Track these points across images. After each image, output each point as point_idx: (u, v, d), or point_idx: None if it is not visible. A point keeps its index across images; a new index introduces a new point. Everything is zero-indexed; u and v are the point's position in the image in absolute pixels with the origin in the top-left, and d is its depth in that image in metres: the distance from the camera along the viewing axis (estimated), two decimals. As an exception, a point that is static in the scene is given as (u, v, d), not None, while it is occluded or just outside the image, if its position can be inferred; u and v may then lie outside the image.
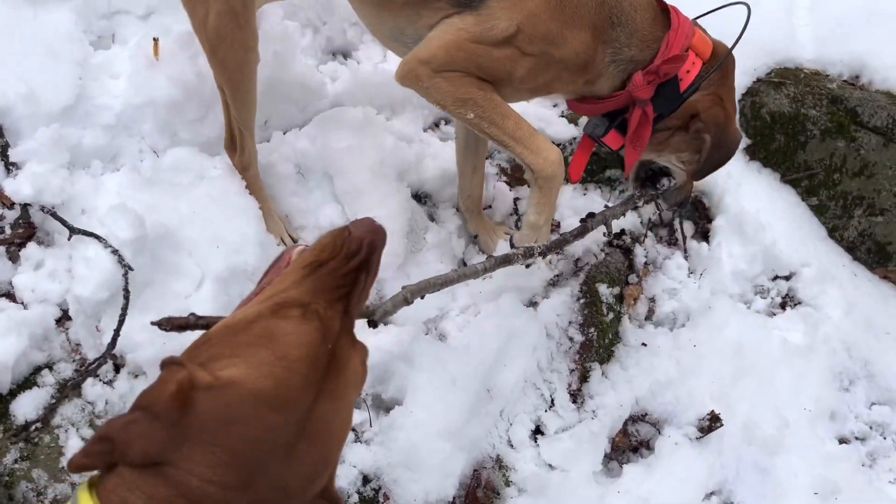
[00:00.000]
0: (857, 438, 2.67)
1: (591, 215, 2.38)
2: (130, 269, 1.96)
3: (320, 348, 1.04)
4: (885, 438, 2.68)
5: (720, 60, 2.08)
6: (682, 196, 2.41)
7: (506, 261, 2.15)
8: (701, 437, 2.47)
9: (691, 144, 2.15)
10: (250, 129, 2.22)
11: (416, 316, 2.37)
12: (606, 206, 2.44)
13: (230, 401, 0.96)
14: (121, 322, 1.89)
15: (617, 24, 1.98)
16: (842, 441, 2.63)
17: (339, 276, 1.13)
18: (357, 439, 2.19)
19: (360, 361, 1.12)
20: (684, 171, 2.30)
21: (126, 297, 1.92)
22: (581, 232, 2.34)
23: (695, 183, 2.89)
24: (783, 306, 2.82)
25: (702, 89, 2.08)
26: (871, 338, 2.80)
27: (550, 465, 2.34)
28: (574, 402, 2.49)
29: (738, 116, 2.88)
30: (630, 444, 2.56)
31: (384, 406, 2.27)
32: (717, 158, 2.16)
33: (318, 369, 1.02)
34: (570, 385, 2.51)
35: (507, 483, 2.30)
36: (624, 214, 2.48)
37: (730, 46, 2.15)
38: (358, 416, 2.21)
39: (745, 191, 2.88)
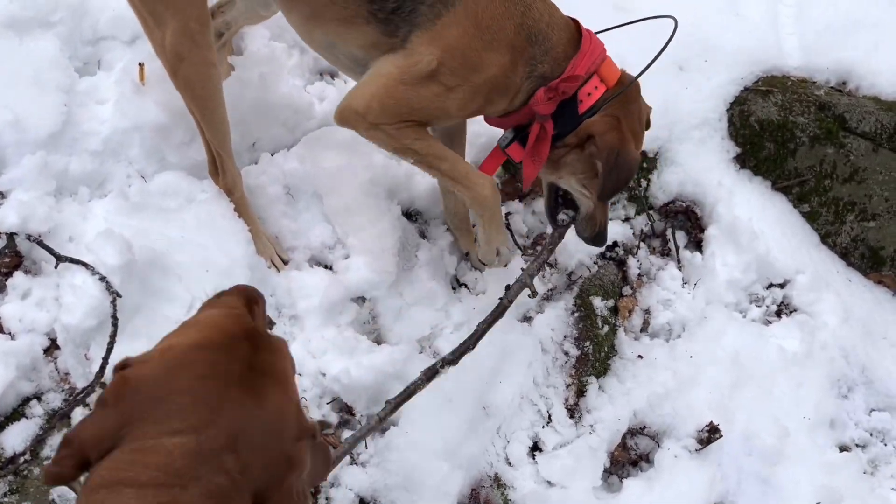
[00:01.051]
0: (857, 445, 2.65)
1: (507, 288, 2.22)
2: (118, 295, 1.94)
3: (244, 319, 1.10)
4: (885, 445, 2.66)
5: (623, 87, 2.11)
6: (593, 228, 2.28)
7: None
8: (700, 449, 2.45)
9: (586, 164, 2.15)
10: (226, 150, 2.22)
11: (410, 334, 2.36)
12: (522, 269, 2.29)
13: (169, 357, 1.01)
14: (109, 349, 1.86)
15: (535, 42, 2.03)
16: (842, 449, 2.61)
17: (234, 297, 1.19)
18: (353, 461, 2.17)
19: (283, 343, 1.15)
20: (588, 197, 2.22)
21: (114, 324, 1.90)
22: (500, 312, 2.19)
23: (687, 192, 2.92)
24: (779, 314, 2.81)
25: (602, 113, 2.09)
26: (869, 344, 2.78)
27: (549, 482, 2.31)
28: (571, 417, 2.47)
29: (721, 131, 2.89)
30: (629, 457, 2.54)
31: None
32: (614, 180, 2.12)
33: (247, 329, 1.07)
34: (566, 400, 2.49)
35: (506, 501, 2.27)
36: (541, 268, 2.33)
37: (640, 71, 2.17)
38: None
39: (737, 199, 2.87)
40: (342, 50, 2.11)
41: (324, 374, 2.22)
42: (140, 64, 2.39)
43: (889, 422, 2.69)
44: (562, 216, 2.31)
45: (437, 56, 1.97)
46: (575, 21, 2.16)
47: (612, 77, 2.11)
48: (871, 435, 2.68)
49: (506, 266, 2.45)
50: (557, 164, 2.18)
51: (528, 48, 2.03)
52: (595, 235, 2.30)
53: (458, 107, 2.07)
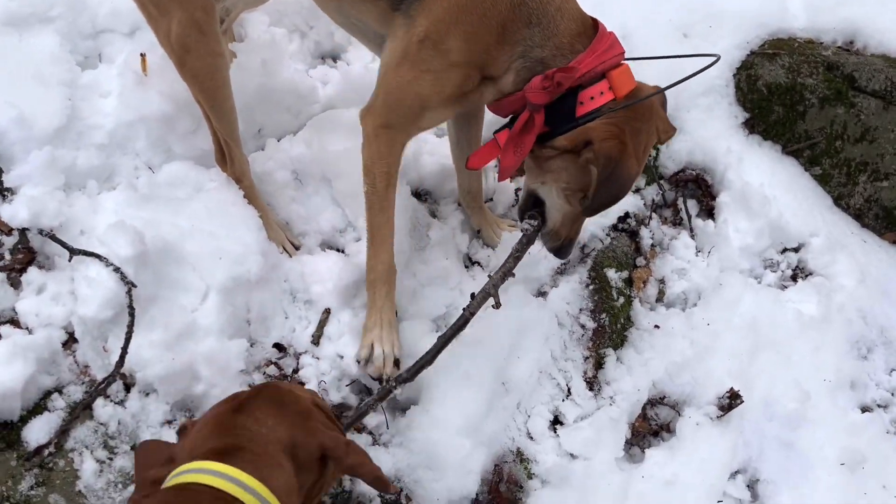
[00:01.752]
0: (879, 406, 2.63)
1: (472, 296, 2.12)
2: (134, 285, 1.94)
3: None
4: (907, 404, 2.65)
5: (635, 100, 1.91)
6: (556, 241, 2.14)
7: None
8: (722, 416, 2.44)
9: (574, 173, 1.97)
10: (235, 138, 2.20)
11: (426, 312, 2.35)
12: (490, 276, 2.18)
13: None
14: (127, 339, 1.86)
15: (535, 24, 1.89)
16: (864, 410, 2.60)
17: None
18: (375, 442, 2.17)
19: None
20: (564, 209, 2.08)
21: (131, 315, 1.90)
22: (462, 324, 2.09)
23: (696, 160, 2.90)
24: (794, 278, 2.79)
25: (604, 119, 1.90)
26: (886, 304, 2.76)
27: (572, 455, 2.31)
28: (591, 389, 2.46)
29: (728, 97, 2.82)
30: (650, 428, 2.53)
31: (400, 407, 2.24)
32: (606, 195, 1.94)
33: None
34: (585, 373, 2.48)
35: (530, 475, 2.27)
36: (505, 278, 2.16)
37: (662, 90, 1.99)
38: (374, 420, 2.18)
39: (748, 165, 2.85)
40: (356, 19, 2.05)
41: (341, 357, 2.22)
42: (142, 55, 2.38)
43: (910, 380, 2.67)
44: (525, 225, 2.15)
45: (424, 29, 1.87)
46: (595, 20, 1.99)
47: (623, 87, 1.91)
48: (893, 395, 2.66)
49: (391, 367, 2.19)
50: (544, 167, 2.02)
51: (524, 29, 1.90)
52: (559, 248, 2.16)
53: (433, 86, 1.93)
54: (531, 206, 2.14)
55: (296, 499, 1.29)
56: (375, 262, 2.15)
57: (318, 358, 2.23)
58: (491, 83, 1.99)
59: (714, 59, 1.97)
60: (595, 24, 1.99)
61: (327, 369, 2.21)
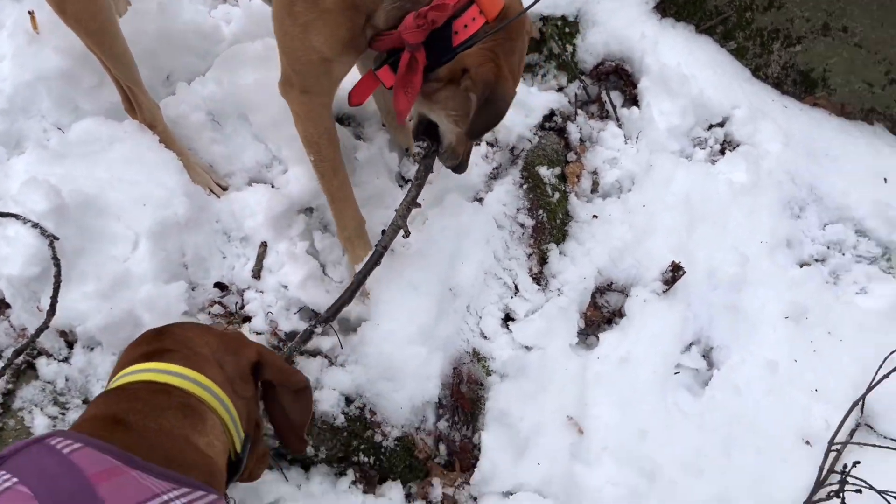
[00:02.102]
0: (816, 260, 2.72)
1: (382, 232, 2.19)
2: (55, 238, 1.90)
3: None
4: (843, 254, 2.74)
5: (507, 20, 1.91)
6: (455, 159, 2.18)
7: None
8: (667, 290, 2.50)
9: (459, 101, 1.99)
10: (137, 82, 2.15)
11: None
12: (395, 211, 2.19)
13: None
14: (56, 289, 1.83)
15: None
16: (802, 265, 2.68)
17: None
18: (332, 363, 2.18)
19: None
20: (455, 131, 2.09)
21: (57, 265, 1.86)
22: (377, 260, 2.14)
23: (613, 51, 2.91)
24: (723, 151, 2.84)
25: (479, 46, 1.90)
26: (812, 163, 2.84)
27: (527, 347, 2.35)
28: (538, 283, 2.50)
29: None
30: (603, 315, 2.58)
31: (351, 327, 2.25)
32: (485, 118, 1.97)
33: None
34: (530, 269, 2.51)
35: (489, 372, 2.31)
36: (411, 207, 2.20)
37: (529, 7, 1.96)
38: (328, 342, 2.19)
39: (663, 48, 2.87)
40: None
41: (285, 287, 2.22)
42: (30, 12, 2.29)
43: (843, 232, 2.76)
44: (416, 149, 2.17)
45: None
46: None
47: (493, 9, 1.91)
48: (829, 248, 2.75)
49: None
50: (430, 98, 2.02)
51: None
52: (458, 165, 2.19)
53: (320, 37, 1.88)
54: (424, 130, 2.17)
55: (231, 393, 1.30)
56: (344, 221, 2.21)
57: (261, 291, 2.22)
58: (368, 23, 1.95)
59: None
60: None
61: (273, 301, 2.21)
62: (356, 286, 2.13)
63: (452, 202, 2.44)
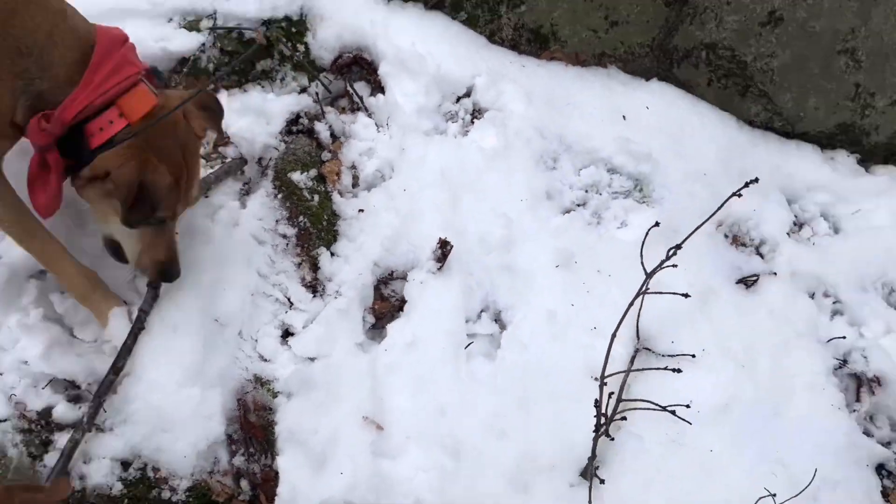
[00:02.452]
0: (577, 206, 2.84)
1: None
2: None
3: None
4: (600, 194, 2.88)
5: (151, 122, 1.87)
6: (157, 266, 2.08)
7: None
8: (441, 267, 2.53)
9: (108, 201, 1.94)
10: None
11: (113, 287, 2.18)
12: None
13: None
14: None
15: (27, 54, 1.79)
16: (567, 212, 2.80)
17: None
18: (100, 430, 2.02)
19: None
20: (134, 233, 2.03)
21: None
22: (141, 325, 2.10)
23: (348, 42, 2.89)
24: (473, 121, 2.91)
25: (124, 146, 1.87)
26: (556, 114, 2.96)
27: (310, 358, 2.30)
28: (314, 291, 2.45)
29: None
30: (393, 305, 2.57)
31: (112, 390, 2.09)
32: (141, 211, 1.91)
33: None
34: (303, 278, 2.46)
35: (274, 395, 2.24)
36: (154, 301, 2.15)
37: (177, 105, 1.92)
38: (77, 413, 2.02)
39: (395, 31, 2.89)
40: None
41: (26, 362, 2.03)
42: None
43: (596, 174, 2.90)
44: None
45: None
46: (107, 37, 1.88)
47: (137, 110, 1.88)
48: (587, 191, 2.88)
49: None
50: (86, 198, 1.96)
51: (19, 59, 1.77)
52: (161, 273, 2.09)
53: None
54: (110, 245, 2.09)
55: None
56: (68, 280, 2.07)
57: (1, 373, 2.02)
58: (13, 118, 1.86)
59: None
60: (104, 42, 1.87)
61: (15, 380, 2.01)
62: (120, 363, 2.02)
63: (204, 231, 2.32)
